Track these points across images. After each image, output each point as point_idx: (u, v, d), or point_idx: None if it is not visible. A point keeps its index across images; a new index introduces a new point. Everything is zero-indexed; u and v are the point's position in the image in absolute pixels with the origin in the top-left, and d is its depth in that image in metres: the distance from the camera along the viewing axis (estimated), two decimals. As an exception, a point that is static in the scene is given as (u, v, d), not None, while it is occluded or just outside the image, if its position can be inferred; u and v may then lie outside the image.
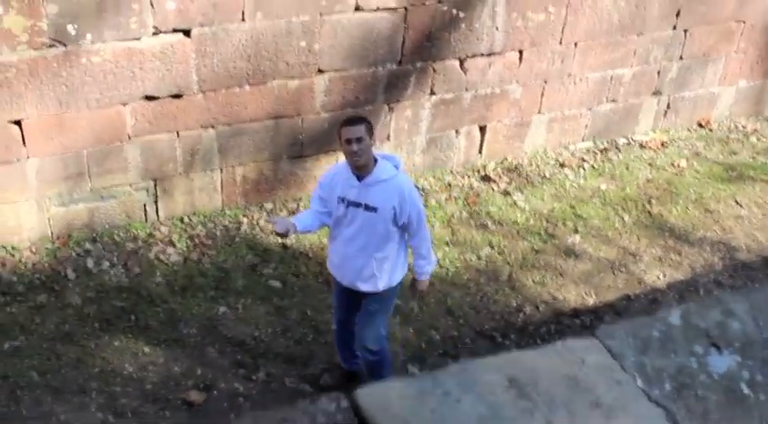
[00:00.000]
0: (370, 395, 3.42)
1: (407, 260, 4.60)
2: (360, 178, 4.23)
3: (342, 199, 4.29)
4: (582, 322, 5.77)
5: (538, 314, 5.81)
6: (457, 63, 6.55)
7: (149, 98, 5.64)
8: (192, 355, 5.23)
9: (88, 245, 5.95)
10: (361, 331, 4.67)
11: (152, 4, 5.30)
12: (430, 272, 4.62)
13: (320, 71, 6.07)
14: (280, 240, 5.90)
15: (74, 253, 5.88)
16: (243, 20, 5.62)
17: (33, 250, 5.85)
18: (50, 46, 5.17)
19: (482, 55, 6.60)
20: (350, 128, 4.11)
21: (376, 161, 4.24)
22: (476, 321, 5.71)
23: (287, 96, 6.06)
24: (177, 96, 5.72)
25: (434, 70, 6.50)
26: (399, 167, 4.34)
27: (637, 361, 3.63)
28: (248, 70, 5.81)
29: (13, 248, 5.81)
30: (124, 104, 5.60)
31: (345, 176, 4.28)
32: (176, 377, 5.07)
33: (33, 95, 5.29)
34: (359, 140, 4.09)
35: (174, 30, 5.47)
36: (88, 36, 5.23)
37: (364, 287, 4.49)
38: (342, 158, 4.67)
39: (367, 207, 4.25)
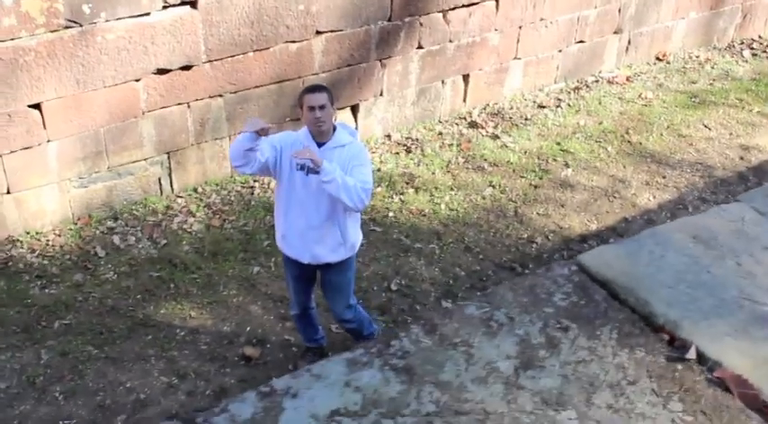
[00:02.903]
0: (592, 259, 4.36)
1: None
2: (320, 144, 4.29)
3: (302, 167, 4.31)
4: (590, 246, 6.14)
5: (549, 243, 6.18)
6: (441, 15, 6.83)
7: (161, 71, 5.76)
8: (238, 313, 5.42)
9: (110, 223, 6.06)
10: (336, 307, 4.78)
11: (160, -22, 5.42)
12: (327, 171, 4.11)
13: (318, 32, 6.27)
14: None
15: (98, 232, 5.98)
16: (245, -13, 5.77)
17: (58, 232, 5.92)
18: (66, 27, 5.25)
19: (463, 6, 6.90)
20: (313, 96, 4.19)
21: (335, 128, 4.35)
22: (494, 255, 6.04)
23: (288, 59, 6.24)
24: (187, 68, 5.86)
25: (421, 24, 6.77)
26: (356, 135, 4.45)
27: None
28: (252, 36, 5.97)
29: (37, 233, 5.89)
30: (137, 80, 5.71)
31: (305, 144, 4.29)
32: (228, 336, 5.26)
33: (52, 77, 5.36)
34: (322, 107, 4.17)
35: (182, 3, 5.61)
36: (102, 14, 5.33)
37: (331, 257, 4.52)
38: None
39: None
